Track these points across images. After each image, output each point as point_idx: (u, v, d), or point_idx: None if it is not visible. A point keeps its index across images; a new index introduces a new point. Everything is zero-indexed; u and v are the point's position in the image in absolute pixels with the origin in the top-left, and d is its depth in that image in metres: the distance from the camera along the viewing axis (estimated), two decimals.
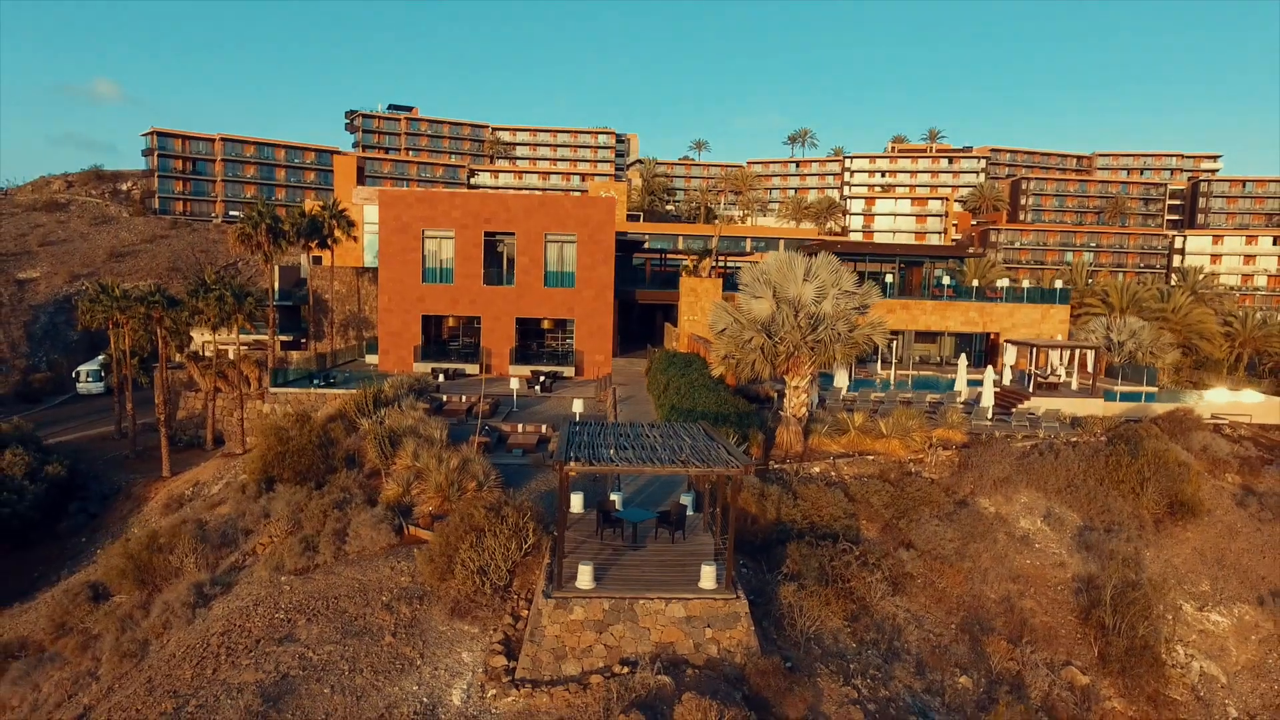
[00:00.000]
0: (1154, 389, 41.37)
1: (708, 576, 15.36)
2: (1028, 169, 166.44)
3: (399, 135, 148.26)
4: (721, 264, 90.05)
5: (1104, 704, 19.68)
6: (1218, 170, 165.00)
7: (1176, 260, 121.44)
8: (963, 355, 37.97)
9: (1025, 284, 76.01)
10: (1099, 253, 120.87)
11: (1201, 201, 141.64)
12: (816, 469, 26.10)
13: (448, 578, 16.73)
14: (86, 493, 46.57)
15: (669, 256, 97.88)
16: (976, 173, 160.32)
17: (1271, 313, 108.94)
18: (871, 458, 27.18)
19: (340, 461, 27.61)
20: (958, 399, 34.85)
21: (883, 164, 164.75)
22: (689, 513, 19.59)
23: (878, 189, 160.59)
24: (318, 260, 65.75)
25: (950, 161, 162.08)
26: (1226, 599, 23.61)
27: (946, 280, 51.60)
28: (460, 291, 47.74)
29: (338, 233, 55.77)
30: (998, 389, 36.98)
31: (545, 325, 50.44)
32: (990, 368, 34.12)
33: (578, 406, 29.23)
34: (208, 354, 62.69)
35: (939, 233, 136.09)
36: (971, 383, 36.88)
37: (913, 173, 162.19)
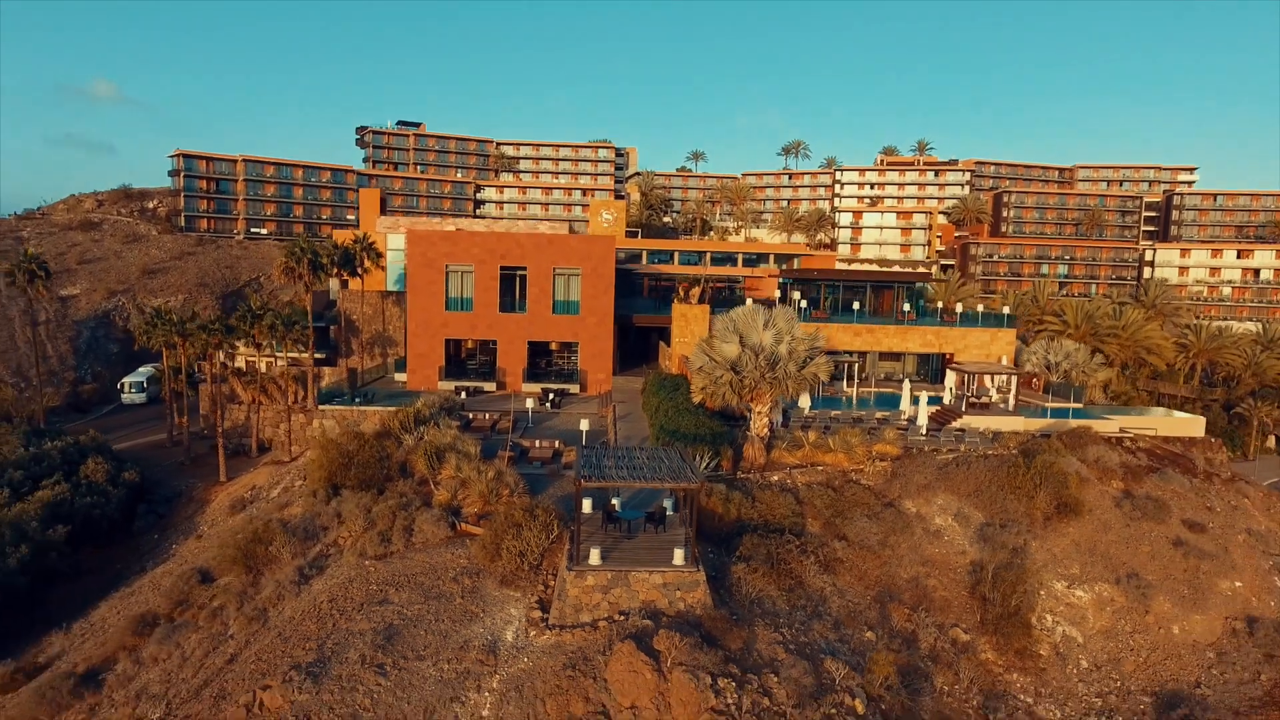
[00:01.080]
0: (1080, 405, 47.99)
1: (678, 556, 22.04)
2: (1011, 180, 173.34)
3: (408, 150, 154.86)
4: (712, 281, 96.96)
5: (979, 655, 26.42)
6: (1194, 182, 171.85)
7: (1147, 272, 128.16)
8: (906, 381, 44.43)
9: (999, 297, 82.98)
10: (1073, 265, 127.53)
11: (1175, 214, 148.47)
12: (775, 478, 32.80)
13: (496, 559, 23.41)
14: (153, 496, 53.16)
15: (664, 271, 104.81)
16: (961, 185, 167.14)
17: (1228, 325, 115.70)
18: (820, 468, 33.91)
19: (395, 471, 34.29)
20: (902, 417, 41.51)
21: (872, 176, 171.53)
22: (669, 513, 26.26)
23: (866, 201, 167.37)
24: (345, 284, 72.29)
25: (936, 174, 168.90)
26: (1091, 579, 30.30)
27: (906, 306, 58.01)
28: (479, 318, 54.43)
29: (367, 263, 62.34)
30: (938, 408, 43.70)
31: (553, 347, 57.11)
32: (923, 394, 40.75)
33: (584, 425, 35.98)
34: (246, 369, 69.19)
35: (923, 245, 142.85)
36: (931, 399, 43.50)
37: (900, 184, 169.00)
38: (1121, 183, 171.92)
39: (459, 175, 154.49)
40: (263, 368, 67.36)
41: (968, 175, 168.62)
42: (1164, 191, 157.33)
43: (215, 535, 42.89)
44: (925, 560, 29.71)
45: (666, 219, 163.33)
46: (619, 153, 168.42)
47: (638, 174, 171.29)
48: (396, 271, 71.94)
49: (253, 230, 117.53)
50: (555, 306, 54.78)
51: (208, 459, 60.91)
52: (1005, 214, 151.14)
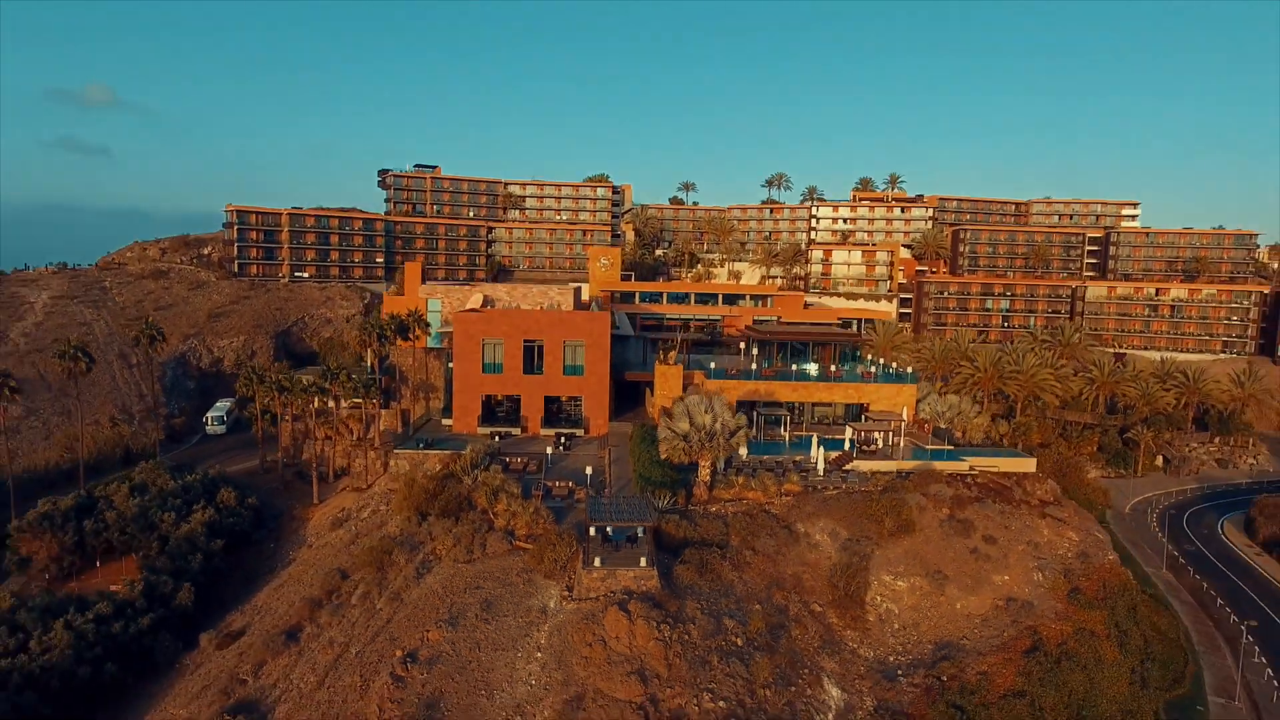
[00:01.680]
0: (950, 447, 65.35)
1: (643, 562, 39.40)
2: (971, 215, 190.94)
3: (425, 192, 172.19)
4: (695, 320, 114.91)
5: (826, 620, 43.88)
6: (1137, 216, 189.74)
7: (1080, 306, 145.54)
8: (815, 436, 61.58)
9: (926, 345, 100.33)
10: (1014, 299, 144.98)
11: (1112, 250, 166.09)
12: (714, 509, 50.25)
13: (541, 563, 40.82)
14: (264, 514, 70.45)
15: (654, 310, 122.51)
16: (925, 220, 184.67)
17: (1146, 354, 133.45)
18: (745, 502, 51.35)
19: (464, 502, 51.61)
20: (810, 462, 58.87)
21: (845, 211, 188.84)
22: (639, 535, 43.66)
23: (839, 235, 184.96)
24: (392, 342, 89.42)
25: (903, 210, 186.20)
26: (909, 574, 47.74)
27: (833, 368, 75.40)
28: (507, 379, 71.76)
29: (418, 330, 79.66)
30: (839, 453, 61.01)
31: (563, 399, 74.41)
32: (820, 446, 58.01)
33: (589, 470, 53.38)
34: (320, 410, 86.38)
35: (886, 279, 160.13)
36: (836, 444, 60.70)
37: (870, 219, 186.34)
38: (1071, 216, 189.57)
39: (471, 214, 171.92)
40: (329, 404, 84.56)
41: (930, 211, 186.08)
42: (1105, 228, 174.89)
43: (326, 545, 60.18)
44: (804, 562, 47.18)
45: (659, 251, 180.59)
46: (615, 190, 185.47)
47: (632, 209, 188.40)
48: (435, 328, 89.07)
49: (296, 274, 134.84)
50: (565, 369, 72.09)
51: (294, 484, 78.33)
52: (962, 249, 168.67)
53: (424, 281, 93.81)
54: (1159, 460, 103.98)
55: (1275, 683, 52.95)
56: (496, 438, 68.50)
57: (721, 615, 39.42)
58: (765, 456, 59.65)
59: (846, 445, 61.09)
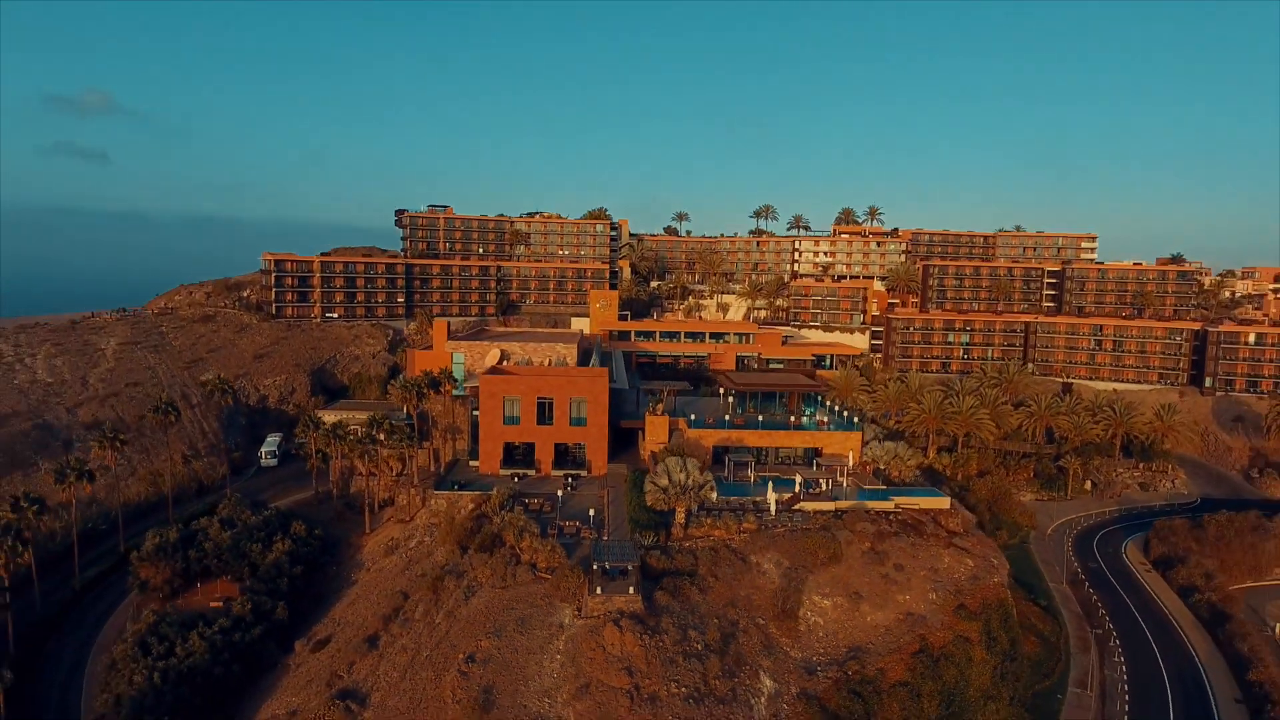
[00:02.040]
0: (882, 488, 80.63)
1: (631, 590, 54.76)
2: (943, 248, 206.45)
3: (438, 230, 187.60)
4: (683, 357, 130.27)
5: (768, 630, 59.30)
6: (1094, 249, 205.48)
7: (1033, 339, 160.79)
8: (769, 483, 76.59)
9: (882, 387, 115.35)
10: (973, 333, 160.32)
11: (1068, 284, 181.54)
12: (687, 544, 65.67)
13: (558, 590, 56.22)
14: (326, 541, 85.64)
15: (647, 348, 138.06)
16: (900, 254, 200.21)
17: (1088, 384, 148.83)
18: (711, 539, 66.74)
19: (496, 539, 66.90)
20: (765, 504, 74.14)
21: (825, 245, 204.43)
22: (629, 569, 59.05)
23: (819, 267, 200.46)
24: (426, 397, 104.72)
25: (879, 244, 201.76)
26: (834, 595, 63.14)
27: (791, 419, 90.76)
28: (524, 429, 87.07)
29: (447, 385, 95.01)
30: (790, 494, 76.27)
31: (570, 444, 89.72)
32: (773, 490, 73.27)
33: (591, 513, 68.78)
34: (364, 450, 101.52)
35: (860, 313, 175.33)
36: (787, 484, 75.90)
37: (849, 252, 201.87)
38: (1035, 248, 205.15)
39: (480, 250, 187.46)
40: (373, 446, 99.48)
41: (904, 244, 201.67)
42: (1063, 262, 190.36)
43: (382, 569, 75.44)
44: (754, 586, 62.60)
45: (654, 284, 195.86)
46: (613, 226, 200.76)
47: (629, 243, 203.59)
48: (459, 377, 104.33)
49: (327, 315, 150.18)
50: (571, 420, 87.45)
51: (345, 514, 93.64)
52: (931, 283, 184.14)
53: (449, 334, 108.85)
54: (1088, 485, 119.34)
55: (1124, 677, 68.67)
56: (515, 478, 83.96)
57: (688, 628, 54.84)
58: (732, 498, 74.88)
59: (796, 488, 76.45)
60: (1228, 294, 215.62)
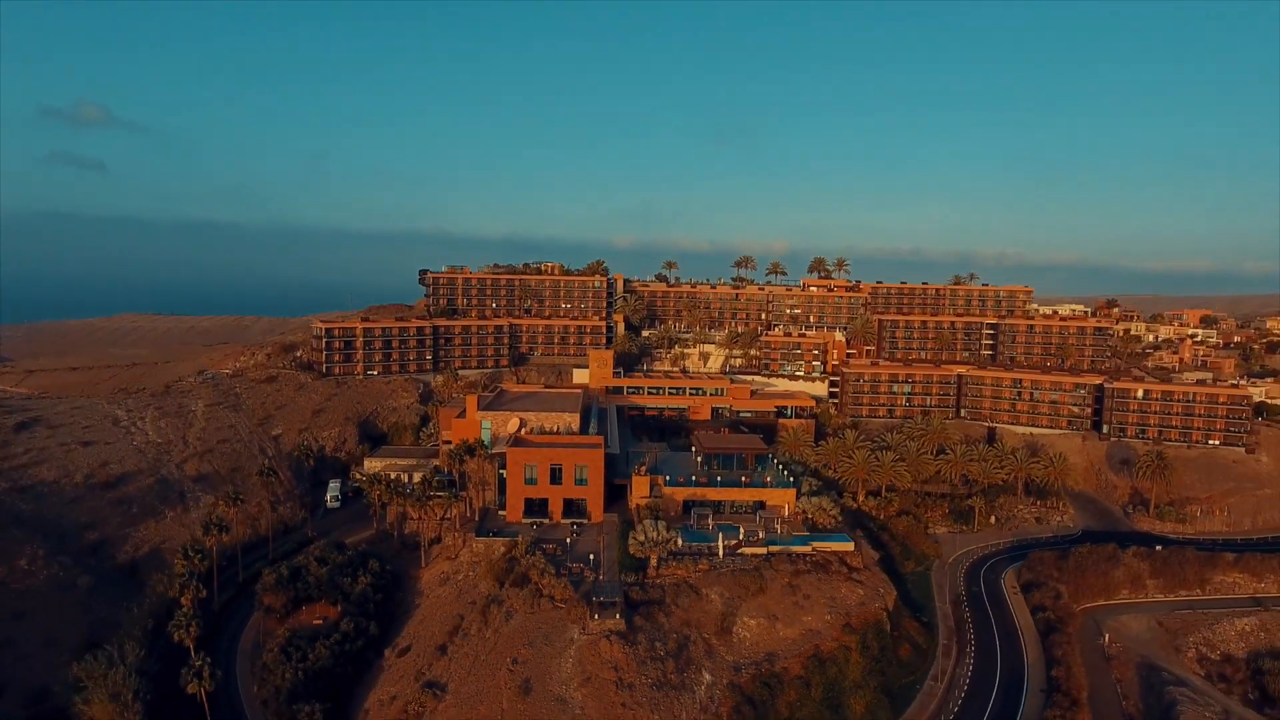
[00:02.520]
0: (805, 534, 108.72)
1: (618, 616, 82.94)
2: (899, 299, 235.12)
3: (456, 288, 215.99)
4: (667, 410, 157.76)
5: (711, 642, 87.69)
6: (1030, 300, 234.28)
7: (964, 389, 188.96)
8: (720, 533, 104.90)
9: (823, 447, 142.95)
10: (914, 385, 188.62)
11: (1002, 337, 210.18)
12: (659, 581, 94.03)
13: (569, 615, 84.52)
14: (392, 573, 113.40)
15: (637, 402, 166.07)
16: (862, 305, 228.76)
17: (1005, 432, 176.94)
18: (676, 577, 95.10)
19: (524, 577, 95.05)
20: (717, 548, 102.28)
21: (796, 294, 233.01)
22: (616, 601, 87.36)
23: (790, 316, 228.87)
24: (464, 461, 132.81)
25: (843, 296, 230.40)
26: (758, 616, 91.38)
27: (744, 479, 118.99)
28: (540, 487, 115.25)
29: (480, 452, 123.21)
30: (735, 540, 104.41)
31: (575, 499, 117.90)
32: (722, 537, 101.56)
33: (591, 557, 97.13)
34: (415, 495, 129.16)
35: (821, 362, 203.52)
36: (732, 530, 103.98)
37: (818, 304, 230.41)
38: (981, 300, 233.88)
39: (494, 305, 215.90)
40: (404, 477, 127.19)
41: (865, 296, 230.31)
42: (999, 315, 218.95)
43: (439, 597, 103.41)
44: (704, 611, 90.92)
45: (645, 334, 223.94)
46: (610, 283, 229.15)
47: (623, 297, 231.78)
48: (487, 442, 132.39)
49: (368, 371, 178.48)
50: (575, 481, 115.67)
51: (402, 551, 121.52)
52: (884, 335, 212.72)
53: (480, 409, 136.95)
54: (992, 519, 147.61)
55: (969, 673, 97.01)
56: (534, 525, 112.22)
57: (655, 641, 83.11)
58: (694, 544, 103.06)
59: (740, 536, 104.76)
60: (1152, 337, 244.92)
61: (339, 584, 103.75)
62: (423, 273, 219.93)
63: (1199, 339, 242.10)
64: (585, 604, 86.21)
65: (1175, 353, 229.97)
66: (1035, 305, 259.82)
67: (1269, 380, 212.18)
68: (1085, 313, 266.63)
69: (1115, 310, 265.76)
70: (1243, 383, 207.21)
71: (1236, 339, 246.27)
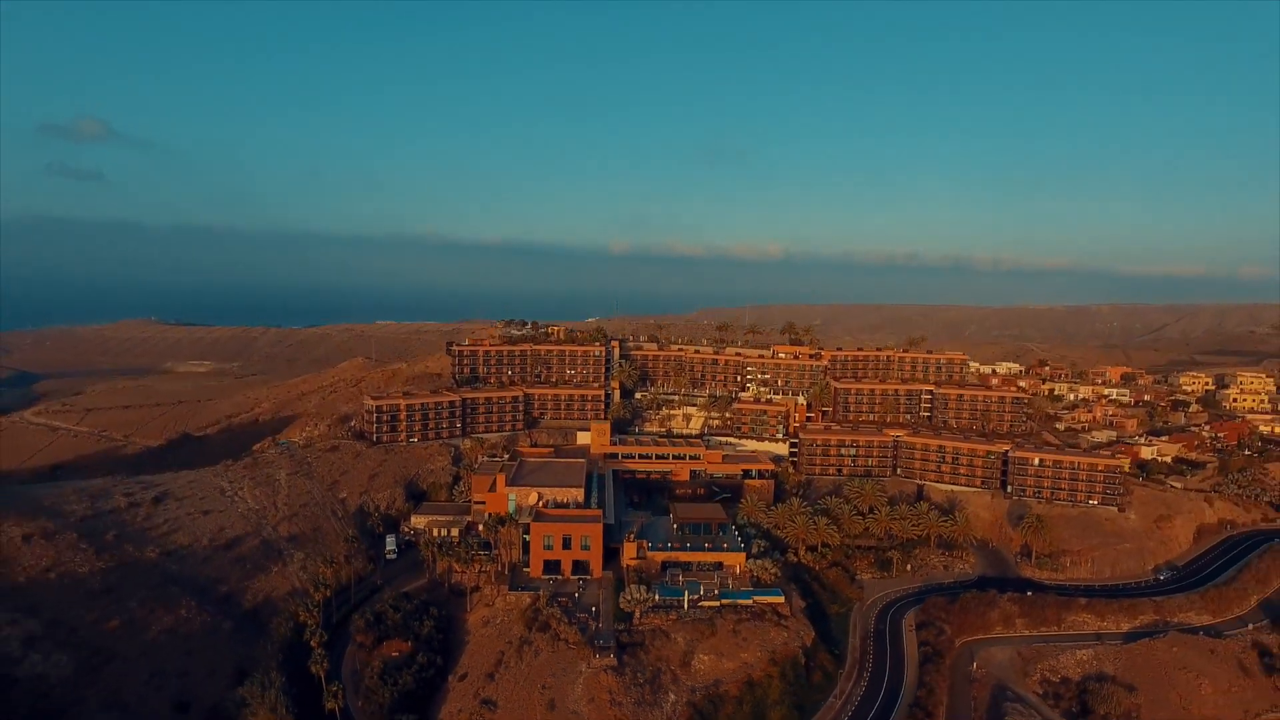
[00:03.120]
0: (749, 589, 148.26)
1: (611, 656, 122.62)
2: (854, 366, 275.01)
3: (478, 358, 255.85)
4: (653, 473, 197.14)
5: (677, 673, 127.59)
6: (965, 366, 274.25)
7: (898, 452, 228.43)
8: (685, 590, 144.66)
9: (777, 508, 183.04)
10: (858, 449, 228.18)
11: (937, 404, 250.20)
12: (640, 628, 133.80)
13: (579, 654, 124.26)
14: (445, 617, 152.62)
15: (629, 466, 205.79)
16: (822, 371, 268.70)
17: (930, 489, 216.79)
18: (653, 624, 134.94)
19: (545, 624, 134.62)
20: (683, 602, 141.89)
21: (766, 361, 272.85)
22: (610, 645, 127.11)
23: (760, 380, 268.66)
24: (496, 530, 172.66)
25: (806, 363, 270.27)
26: (711, 654, 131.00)
27: (707, 545, 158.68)
28: (555, 551, 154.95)
29: (509, 523, 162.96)
30: (698, 595, 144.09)
31: (580, 559, 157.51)
32: (686, 593, 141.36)
33: (593, 608, 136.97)
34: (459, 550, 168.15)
35: (784, 426, 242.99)
36: (695, 587, 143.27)
37: (786, 368, 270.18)
38: (926, 367, 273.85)
39: (509, 372, 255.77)
40: (448, 534, 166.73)
41: (825, 364, 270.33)
42: (936, 382, 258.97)
43: (483, 636, 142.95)
44: (672, 650, 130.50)
45: (638, 395, 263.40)
46: (607, 350, 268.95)
47: (618, 363, 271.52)
48: (512, 511, 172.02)
49: (409, 439, 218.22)
50: (581, 546, 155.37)
51: (450, 598, 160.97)
52: (839, 400, 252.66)
53: (509, 484, 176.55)
54: (909, 567, 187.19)
55: (862, 691, 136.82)
56: (551, 580, 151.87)
57: (636, 672, 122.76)
58: (667, 598, 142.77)
59: (701, 591, 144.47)
60: (1072, 396, 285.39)
61: (410, 626, 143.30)
62: (449, 344, 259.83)
63: (1113, 398, 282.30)
64: (589, 646, 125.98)
65: (1090, 411, 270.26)
66: (975, 365, 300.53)
67: (1164, 439, 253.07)
68: (1020, 370, 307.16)
69: (1046, 368, 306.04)
70: (1139, 440, 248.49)
71: (1147, 397, 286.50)
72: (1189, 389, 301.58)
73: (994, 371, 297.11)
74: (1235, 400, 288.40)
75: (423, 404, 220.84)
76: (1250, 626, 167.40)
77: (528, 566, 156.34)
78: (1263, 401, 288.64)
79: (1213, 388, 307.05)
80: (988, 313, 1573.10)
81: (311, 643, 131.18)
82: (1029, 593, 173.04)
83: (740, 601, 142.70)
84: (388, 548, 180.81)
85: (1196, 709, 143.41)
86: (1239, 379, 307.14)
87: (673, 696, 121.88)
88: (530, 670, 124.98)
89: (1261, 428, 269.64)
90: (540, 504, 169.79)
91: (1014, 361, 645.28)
